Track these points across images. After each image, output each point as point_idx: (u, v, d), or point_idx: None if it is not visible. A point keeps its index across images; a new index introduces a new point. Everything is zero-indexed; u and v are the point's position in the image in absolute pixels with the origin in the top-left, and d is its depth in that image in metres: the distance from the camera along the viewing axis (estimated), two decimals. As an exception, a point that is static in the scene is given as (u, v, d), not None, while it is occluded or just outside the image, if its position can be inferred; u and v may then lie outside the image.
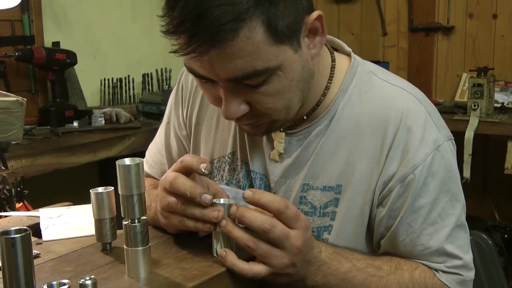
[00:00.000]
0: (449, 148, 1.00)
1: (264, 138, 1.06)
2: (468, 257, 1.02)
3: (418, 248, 0.99)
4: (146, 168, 1.22)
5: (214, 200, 0.87)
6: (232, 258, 0.84)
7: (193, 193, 0.85)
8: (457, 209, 1.01)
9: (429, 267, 1.01)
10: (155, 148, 1.25)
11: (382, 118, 0.99)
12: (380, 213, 0.99)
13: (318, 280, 0.91)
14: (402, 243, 0.99)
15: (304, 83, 0.95)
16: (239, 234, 0.84)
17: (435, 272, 1.00)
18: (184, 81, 1.21)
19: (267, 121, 0.96)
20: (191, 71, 0.90)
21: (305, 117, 1.03)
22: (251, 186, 1.08)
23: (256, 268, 0.85)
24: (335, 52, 1.07)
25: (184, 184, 0.87)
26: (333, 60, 1.05)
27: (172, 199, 0.88)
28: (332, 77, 1.03)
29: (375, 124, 1.00)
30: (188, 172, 0.88)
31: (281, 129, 1.03)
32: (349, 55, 1.07)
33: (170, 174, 0.89)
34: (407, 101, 1.01)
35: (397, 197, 0.98)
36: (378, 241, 1.02)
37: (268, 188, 1.07)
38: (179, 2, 0.82)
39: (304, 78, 0.94)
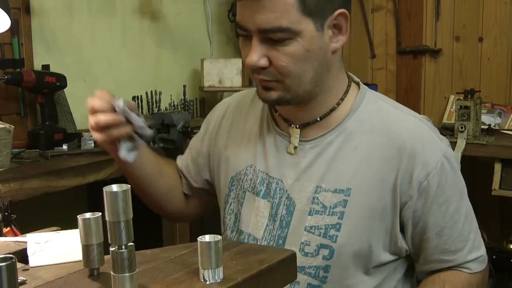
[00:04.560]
0: (451, 152, 1.23)
1: (282, 142, 1.27)
2: (479, 236, 1.26)
3: (443, 238, 1.20)
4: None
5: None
6: None
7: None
8: (466, 200, 1.23)
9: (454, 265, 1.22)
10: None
11: (390, 134, 1.19)
12: (405, 217, 1.20)
13: None
14: (431, 237, 1.20)
15: (319, 65, 1.15)
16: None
17: (461, 270, 1.23)
18: (215, 117, 1.45)
19: (280, 87, 1.15)
20: (238, 25, 1.14)
21: (318, 119, 1.23)
22: (268, 189, 1.26)
23: None
24: None
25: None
26: (349, 83, 1.26)
27: None
28: (347, 94, 1.24)
29: (385, 140, 1.19)
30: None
31: (297, 126, 1.24)
32: (357, 84, 1.28)
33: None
34: (411, 121, 1.22)
35: (416, 201, 1.18)
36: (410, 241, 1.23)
37: (284, 190, 1.24)
38: None
39: (320, 60, 1.14)
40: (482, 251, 1.26)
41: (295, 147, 1.24)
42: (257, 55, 1.12)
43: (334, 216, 1.18)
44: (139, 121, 1.20)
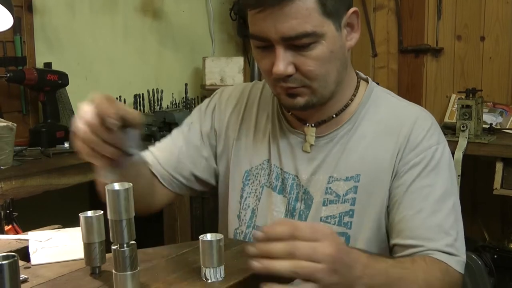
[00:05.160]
0: (447, 149, 1.24)
1: (296, 139, 1.27)
2: (463, 244, 1.19)
3: (417, 222, 1.16)
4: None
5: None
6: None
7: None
8: (455, 200, 1.21)
9: (427, 249, 1.14)
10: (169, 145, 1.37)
11: (397, 122, 1.23)
12: (393, 192, 1.20)
13: (366, 281, 0.96)
14: (407, 217, 1.17)
15: (340, 64, 1.17)
16: (279, 265, 0.87)
17: (433, 254, 1.14)
18: (224, 102, 1.38)
19: (307, 92, 1.15)
20: (256, 37, 1.12)
21: (334, 116, 1.25)
22: (283, 185, 1.27)
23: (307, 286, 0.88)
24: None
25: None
26: (358, 78, 1.30)
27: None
28: (357, 90, 1.27)
29: (391, 126, 1.23)
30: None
31: (312, 125, 1.25)
32: (366, 81, 1.31)
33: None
34: (416, 111, 1.28)
35: (400, 177, 1.19)
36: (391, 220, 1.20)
37: (300, 185, 1.25)
38: None
39: (341, 59, 1.17)
40: (463, 257, 1.17)
41: (311, 145, 1.25)
42: (283, 63, 1.11)
43: (346, 203, 1.21)
44: (133, 143, 1.01)
